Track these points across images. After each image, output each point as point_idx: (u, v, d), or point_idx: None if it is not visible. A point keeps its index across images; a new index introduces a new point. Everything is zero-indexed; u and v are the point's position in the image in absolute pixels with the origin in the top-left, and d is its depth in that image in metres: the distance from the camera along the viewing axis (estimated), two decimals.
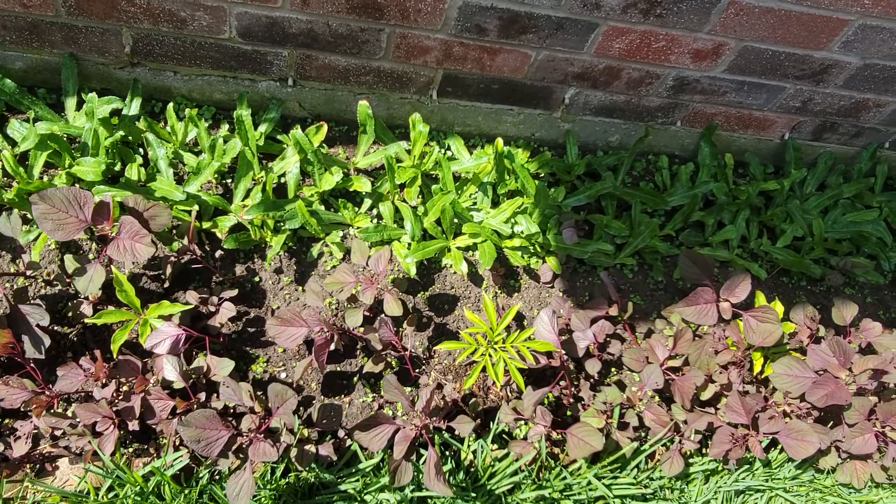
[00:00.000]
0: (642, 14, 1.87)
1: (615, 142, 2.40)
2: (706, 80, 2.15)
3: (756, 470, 1.88)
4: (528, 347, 1.67)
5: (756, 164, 2.49)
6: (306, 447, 1.54)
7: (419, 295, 2.03)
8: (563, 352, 1.85)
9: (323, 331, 1.61)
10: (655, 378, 1.78)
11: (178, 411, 1.53)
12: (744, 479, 1.86)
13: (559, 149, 2.38)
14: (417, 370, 1.89)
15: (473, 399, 1.81)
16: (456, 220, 2.07)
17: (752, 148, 2.51)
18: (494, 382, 1.86)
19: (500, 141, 2.09)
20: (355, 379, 1.85)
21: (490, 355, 1.69)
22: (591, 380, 1.94)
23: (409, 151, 2.15)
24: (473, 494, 1.66)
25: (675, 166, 2.43)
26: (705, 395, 1.89)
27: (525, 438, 1.73)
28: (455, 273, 2.09)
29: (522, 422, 1.83)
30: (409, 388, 1.85)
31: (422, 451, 1.70)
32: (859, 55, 2.08)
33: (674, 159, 2.50)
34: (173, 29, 1.86)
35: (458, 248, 2.08)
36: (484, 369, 1.78)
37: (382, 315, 1.73)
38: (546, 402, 1.93)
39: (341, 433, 1.72)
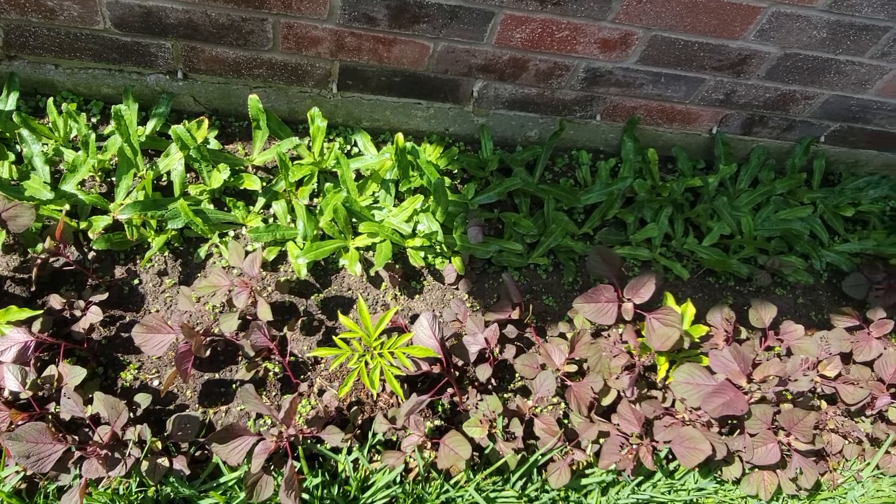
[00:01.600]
0: (539, 2, 1.78)
1: (534, 137, 2.31)
2: (620, 72, 2.06)
3: (658, 481, 1.78)
4: (406, 353, 1.58)
5: (684, 159, 2.40)
6: (159, 460, 1.46)
7: (313, 297, 1.94)
8: (455, 357, 1.76)
9: (187, 338, 1.52)
10: (548, 385, 1.69)
11: (17, 424, 1.44)
12: (645, 490, 1.77)
13: (476, 144, 2.29)
14: (302, 377, 1.80)
15: (355, 407, 1.72)
16: (356, 220, 1.98)
17: (680, 142, 2.41)
18: (387, 390, 1.78)
19: (400, 136, 2.01)
20: (234, 387, 1.76)
21: (367, 362, 1.60)
22: (488, 385, 1.85)
23: (310, 147, 2.07)
24: None
25: (599, 162, 2.33)
26: (606, 401, 1.80)
27: (399, 448, 1.64)
28: (358, 274, 2.00)
29: (401, 431, 1.73)
30: (291, 396, 1.76)
31: (296, 462, 1.61)
32: (778, 45, 1.98)
33: (598, 155, 2.40)
34: (44, 20, 1.77)
35: (358, 248, 1.99)
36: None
37: (256, 320, 1.64)
38: (441, 409, 1.84)
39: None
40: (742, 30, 1.92)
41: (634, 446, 1.66)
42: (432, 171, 2.06)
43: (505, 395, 1.90)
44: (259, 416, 1.74)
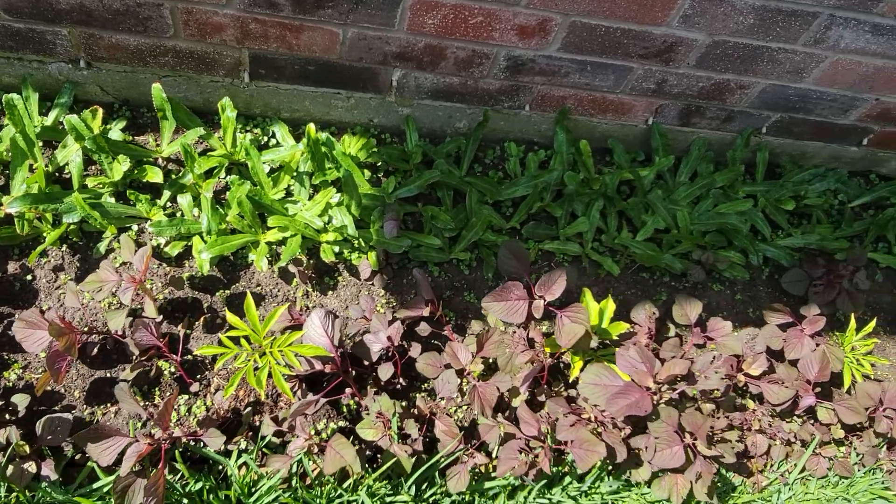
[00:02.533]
0: None
1: (463, 128, 2.24)
2: (542, 60, 1.99)
3: (568, 484, 1.72)
4: (296, 352, 1.51)
5: (620, 151, 2.33)
6: (25, 465, 1.40)
7: (219, 294, 1.87)
8: (359, 356, 1.70)
9: (54, 337, 1.46)
10: (450, 384, 1.62)
11: None
12: (554, 493, 1.70)
13: (402, 136, 2.22)
14: (199, 377, 1.73)
15: (249, 409, 1.66)
16: (267, 214, 1.91)
17: (616, 134, 2.34)
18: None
19: (311, 127, 1.94)
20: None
21: (257, 360, 1.53)
22: (396, 385, 1.78)
23: (222, 139, 2.00)
24: None
25: (528, 154, 2.26)
26: (517, 402, 1.73)
27: (284, 451, 1.58)
28: (267, 269, 1.93)
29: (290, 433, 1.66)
30: (186, 397, 1.70)
31: (177, 465, 1.54)
32: (704, 31, 1.91)
33: (532, 147, 2.33)
34: None
35: (269, 242, 1.92)
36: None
37: (142, 317, 1.57)
38: (347, 410, 1.77)
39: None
40: (664, 15, 1.84)
41: (533, 449, 1.60)
42: (349, 163, 1.99)
43: (417, 396, 1.84)
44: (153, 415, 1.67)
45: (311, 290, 1.94)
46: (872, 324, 2.06)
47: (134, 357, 1.62)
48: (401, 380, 1.80)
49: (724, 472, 1.89)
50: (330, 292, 1.95)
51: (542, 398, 1.74)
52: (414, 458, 1.58)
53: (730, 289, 2.30)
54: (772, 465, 1.92)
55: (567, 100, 2.17)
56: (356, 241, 1.99)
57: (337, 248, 1.95)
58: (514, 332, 1.73)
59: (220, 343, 1.73)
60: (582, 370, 1.74)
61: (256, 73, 1.97)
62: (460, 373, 1.71)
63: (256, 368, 1.52)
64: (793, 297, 2.30)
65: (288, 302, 1.90)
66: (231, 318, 1.53)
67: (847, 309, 2.15)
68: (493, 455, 1.73)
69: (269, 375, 1.55)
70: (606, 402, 1.56)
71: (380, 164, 2.14)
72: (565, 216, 2.18)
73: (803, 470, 1.91)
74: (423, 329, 1.84)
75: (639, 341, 1.63)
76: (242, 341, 1.55)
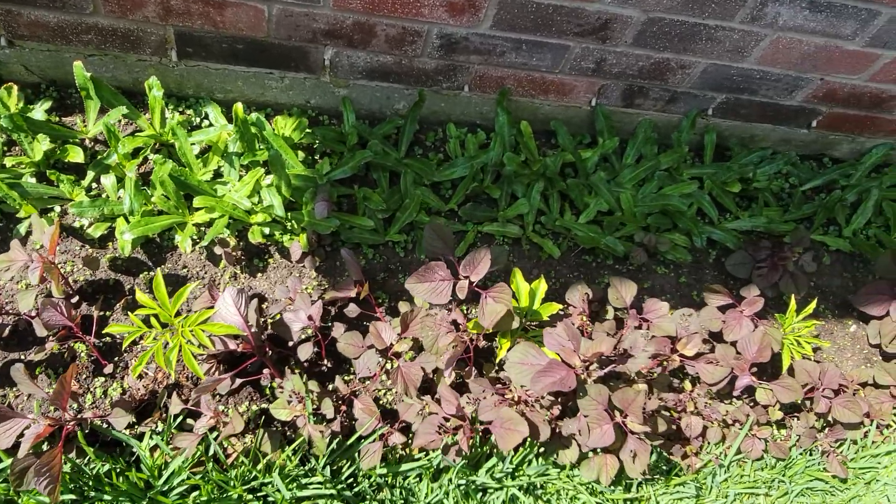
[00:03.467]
0: None
1: (403, 109, 2.21)
2: (476, 39, 1.96)
3: (493, 466, 1.69)
4: (206, 331, 1.47)
5: (564, 133, 2.30)
6: None
7: (142, 276, 1.83)
8: (281, 336, 1.66)
9: None
10: (370, 364, 1.59)
11: None
12: (480, 474, 1.67)
13: (340, 117, 2.18)
14: (117, 359, 1.70)
15: (163, 389, 1.62)
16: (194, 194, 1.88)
17: (561, 116, 2.31)
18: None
19: (238, 106, 1.90)
20: (38, 370, 1.66)
21: (168, 340, 1.50)
22: (322, 367, 1.75)
23: (150, 120, 1.96)
24: (144, 501, 1.47)
25: (470, 136, 2.23)
26: (448, 382, 1.70)
27: (192, 430, 1.55)
28: (194, 251, 1.90)
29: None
30: (103, 379, 1.66)
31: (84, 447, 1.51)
32: (639, 8, 1.88)
33: (476, 129, 2.30)
34: None
35: (197, 224, 1.88)
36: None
37: (51, 297, 1.54)
38: (269, 391, 1.74)
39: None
40: None
41: (454, 428, 1.57)
42: (280, 143, 1.96)
43: (346, 378, 1.80)
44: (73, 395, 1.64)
45: (239, 272, 1.90)
46: (813, 304, 2.03)
47: (48, 337, 1.58)
48: (327, 362, 1.77)
49: (658, 452, 1.86)
50: (259, 274, 1.92)
51: (469, 380, 1.71)
52: (328, 439, 1.55)
53: (674, 272, 2.27)
54: (708, 447, 1.89)
55: (506, 80, 2.13)
56: (289, 223, 1.95)
57: (267, 230, 1.92)
58: (438, 314, 1.70)
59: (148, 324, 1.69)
60: (509, 350, 1.71)
61: (184, 51, 1.94)
62: (384, 353, 1.68)
63: (167, 347, 1.49)
64: (738, 280, 2.28)
65: (214, 283, 1.86)
66: (140, 296, 1.49)
67: (790, 291, 2.13)
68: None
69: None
70: (531, 380, 1.54)
71: (316, 145, 2.11)
72: (505, 198, 2.15)
73: (739, 452, 1.89)
74: (352, 310, 1.81)
75: (566, 322, 1.60)
76: (153, 320, 1.52)
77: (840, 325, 2.35)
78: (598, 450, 1.68)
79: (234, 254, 1.84)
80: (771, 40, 2.03)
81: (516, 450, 1.70)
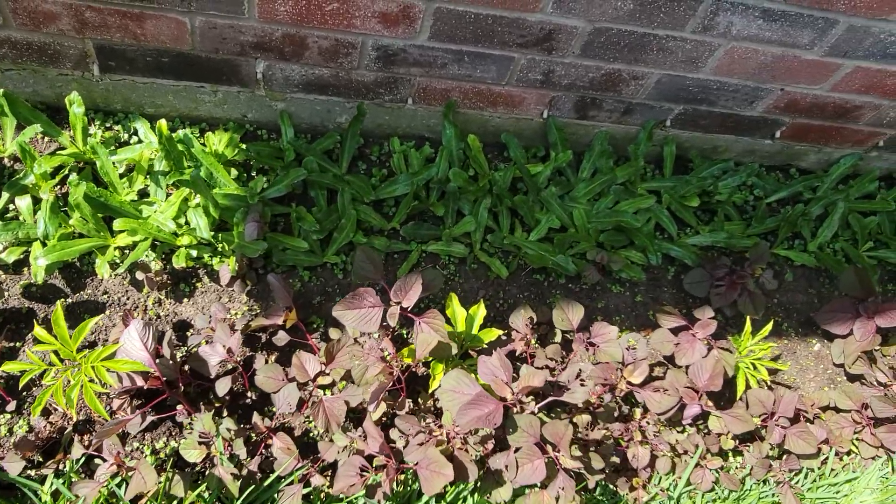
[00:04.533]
0: None
1: (345, 123, 2.11)
2: (415, 50, 1.86)
3: None
4: (107, 368, 1.38)
5: (516, 146, 2.21)
6: None
7: (59, 303, 1.74)
8: (200, 369, 1.57)
9: None
10: (290, 399, 1.50)
11: None
12: None
13: (280, 132, 2.09)
14: (26, 394, 1.60)
15: (69, 430, 1.53)
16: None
17: (512, 129, 2.22)
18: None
19: (163, 123, 1.81)
20: None
21: (69, 378, 1.40)
22: (243, 401, 1.66)
23: (73, 137, 1.86)
24: None
25: (413, 151, 2.14)
26: (376, 416, 1.61)
27: (92, 477, 1.45)
28: (116, 276, 1.80)
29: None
30: (9, 416, 1.57)
31: None
32: (583, 18, 1.79)
33: (424, 143, 2.21)
34: None
35: (119, 247, 1.79)
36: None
37: None
38: (189, 427, 1.64)
39: None
40: (536, 1, 1.72)
41: (377, 467, 1.48)
42: (212, 161, 1.87)
43: (272, 411, 1.71)
44: None
45: (164, 297, 1.81)
46: (769, 327, 1.94)
47: None
48: (251, 394, 1.67)
49: (603, 486, 1.78)
50: (186, 299, 1.82)
51: (404, 411, 1.62)
52: (241, 481, 1.46)
53: (630, 290, 2.18)
54: (657, 479, 1.80)
55: (451, 92, 2.04)
56: (219, 245, 1.86)
57: (195, 252, 1.82)
58: (366, 343, 1.61)
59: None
60: (444, 377, 1.62)
61: (106, 65, 1.84)
62: (305, 386, 1.59)
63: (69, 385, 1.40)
64: (697, 299, 2.19)
65: (135, 311, 1.77)
66: (38, 330, 1.40)
67: (748, 311, 2.04)
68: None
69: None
70: (457, 413, 1.44)
71: (252, 162, 2.01)
72: (451, 215, 2.06)
73: (689, 483, 1.80)
74: (281, 338, 1.72)
75: (499, 351, 1.51)
76: (52, 357, 1.42)
77: (804, 344, 2.27)
78: (537, 486, 1.59)
79: (157, 279, 1.75)
80: (725, 50, 1.94)
81: (448, 488, 1.61)
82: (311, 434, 1.72)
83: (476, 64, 1.93)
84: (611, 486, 1.76)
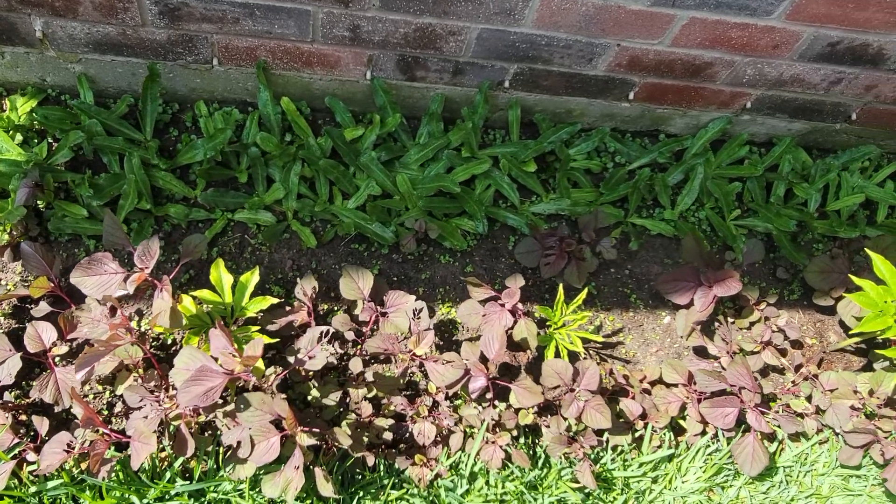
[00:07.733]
0: None
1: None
2: (198, 4, 1.75)
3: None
4: None
5: (342, 110, 2.09)
6: None
7: None
8: None
9: None
10: (10, 370, 1.40)
11: None
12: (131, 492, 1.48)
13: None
14: None
15: None
16: None
17: (337, 91, 2.10)
18: None
19: None
20: None
21: None
22: None
23: None
24: None
25: (218, 114, 2.02)
26: (121, 390, 1.51)
27: None
28: None
29: None
30: None
31: None
32: None
33: (246, 108, 2.10)
34: None
35: None
36: None
37: None
38: None
39: None
40: None
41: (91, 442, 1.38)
42: None
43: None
44: None
45: None
46: (583, 295, 1.82)
47: None
48: None
49: (385, 464, 1.66)
50: None
51: (151, 384, 1.52)
52: None
53: (460, 261, 2.07)
54: (444, 457, 1.69)
55: (258, 51, 1.93)
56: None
57: None
58: (95, 308, 1.51)
59: None
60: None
61: None
62: (41, 356, 1.50)
63: None
64: (529, 270, 2.07)
65: None
66: None
67: (572, 280, 1.92)
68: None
69: None
70: (180, 389, 1.34)
71: (47, 128, 1.92)
72: (262, 182, 1.95)
73: (480, 461, 1.68)
74: (42, 309, 1.62)
75: (219, 322, 1.40)
76: None
77: (652, 317, 2.14)
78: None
79: None
80: (540, 1, 1.81)
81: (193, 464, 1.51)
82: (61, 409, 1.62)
83: (271, 18, 1.82)
84: (393, 465, 1.65)
